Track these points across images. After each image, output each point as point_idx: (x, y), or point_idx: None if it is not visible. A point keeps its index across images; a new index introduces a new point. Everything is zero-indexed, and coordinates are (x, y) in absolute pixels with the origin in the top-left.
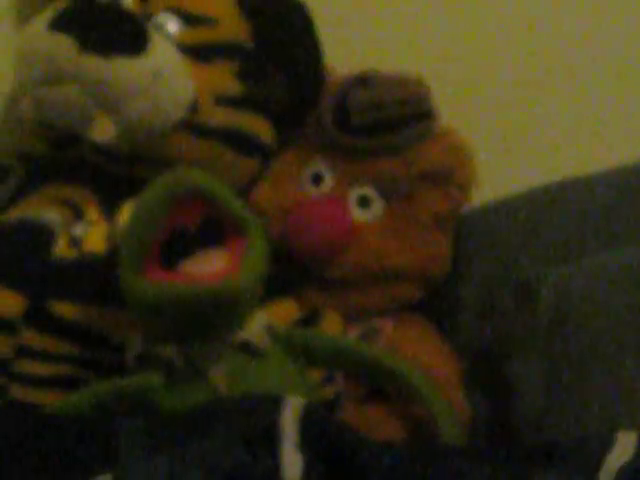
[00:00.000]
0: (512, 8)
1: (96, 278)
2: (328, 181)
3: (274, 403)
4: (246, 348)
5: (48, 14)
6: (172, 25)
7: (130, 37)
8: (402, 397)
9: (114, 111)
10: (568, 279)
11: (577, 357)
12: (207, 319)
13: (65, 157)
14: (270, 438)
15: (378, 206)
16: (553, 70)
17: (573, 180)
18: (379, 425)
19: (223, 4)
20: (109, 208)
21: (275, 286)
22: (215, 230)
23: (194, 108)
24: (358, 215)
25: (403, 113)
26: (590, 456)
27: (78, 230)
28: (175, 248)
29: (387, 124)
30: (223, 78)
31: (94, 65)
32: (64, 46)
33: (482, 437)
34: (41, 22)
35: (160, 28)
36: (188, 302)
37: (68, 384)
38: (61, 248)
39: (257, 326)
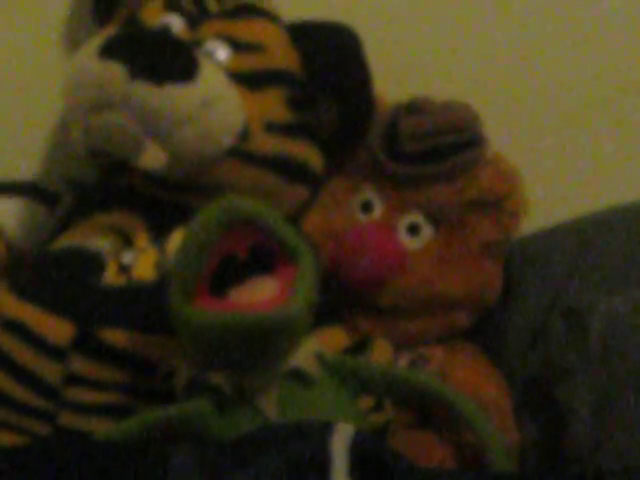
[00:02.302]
0: (557, 29)
1: (145, 305)
2: (378, 209)
3: (324, 430)
4: (296, 375)
5: (98, 41)
6: (222, 52)
7: (180, 64)
8: (452, 424)
9: (164, 138)
10: (618, 307)
11: (628, 384)
12: (257, 347)
13: (115, 184)
14: (320, 465)
15: (428, 233)
16: (604, 96)
17: (624, 206)
18: (429, 452)
19: (272, 31)
20: (158, 236)
21: (324, 314)
22: (265, 258)
23: (244, 135)
24: (408, 242)
25: (453, 140)
26: None
27: (127, 257)
28: (225, 276)
29: (437, 151)
30: (273, 105)
31: (145, 92)
32: (114, 73)
33: (532, 464)
34: (91, 49)
35: (210, 55)
36: (237, 330)
37: (117, 412)
38: (110, 275)
39: (307, 353)
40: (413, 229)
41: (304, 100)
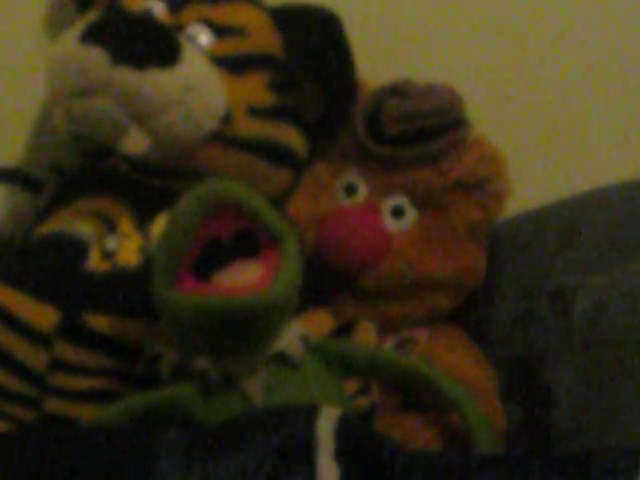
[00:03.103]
0: (541, 17)
1: (130, 290)
2: (362, 191)
3: (309, 413)
4: (281, 359)
5: (80, 26)
6: (204, 37)
7: (162, 49)
8: (438, 407)
9: (147, 123)
10: (603, 289)
11: (612, 367)
12: (241, 331)
13: (98, 169)
14: (305, 449)
15: (412, 216)
16: (586, 76)
17: (609, 188)
18: (415, 435)
19: (254, 15)
20: (142, 220)
21: (309, 297)
22: (249, 241)
23: (227, 120)
24: (392, 225)
25: (436, 122)
26: (625, 466)
27: (111, 243)
28: (209, 260)
29: (420, 134)
30: (255, 89)
31: (127, 77)
32: (96, 58)
33: (518, 446)
34: (73, 34)
35: (192, 40)
36: (221, 314)
37: (103, 397)
38: (94, 261)
39: (292, 337)
40: (397, 212)
41: (287, 84)
